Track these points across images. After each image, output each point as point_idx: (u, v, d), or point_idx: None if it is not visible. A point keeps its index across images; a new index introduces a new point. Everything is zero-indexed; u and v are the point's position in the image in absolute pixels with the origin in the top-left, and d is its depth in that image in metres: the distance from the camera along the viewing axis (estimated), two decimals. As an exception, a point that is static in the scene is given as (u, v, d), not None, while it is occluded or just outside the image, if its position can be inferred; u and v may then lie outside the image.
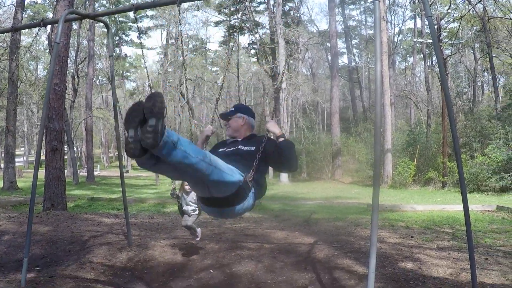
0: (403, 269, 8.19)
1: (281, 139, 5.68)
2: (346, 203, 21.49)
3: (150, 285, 9.00)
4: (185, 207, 9.77)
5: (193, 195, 9.62)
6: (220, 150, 5.76)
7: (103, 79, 78.63)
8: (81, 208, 20.51)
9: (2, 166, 37.99)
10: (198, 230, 10.14)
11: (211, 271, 9.44)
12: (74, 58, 48.50)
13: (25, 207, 20.81)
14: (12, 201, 22.61)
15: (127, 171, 66.59)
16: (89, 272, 9.51)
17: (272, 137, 5.70)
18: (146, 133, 4.04)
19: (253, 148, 5.53)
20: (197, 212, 9.87)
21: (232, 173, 4.90)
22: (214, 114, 7.64)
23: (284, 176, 39.92)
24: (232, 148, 5.70)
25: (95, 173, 52.31)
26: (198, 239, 10.25)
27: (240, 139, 5.91)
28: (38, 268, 9.86)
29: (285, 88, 40.49)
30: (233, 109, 6.11)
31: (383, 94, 32.93)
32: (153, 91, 4.87)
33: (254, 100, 73.93)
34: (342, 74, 66.07)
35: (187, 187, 9.61)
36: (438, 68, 31.08)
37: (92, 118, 49.02)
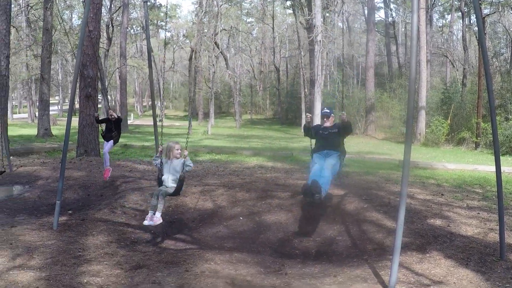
0: (432, 226, 8.21)
1: (346, 120, 9.55)
2: (377, 159, 21.43)
3: (181, 231, 9.13)
4: (165, 176, 8.64)
5: (178, 163, 8.54)
6: (320, 131, 9.92)
7: (138, 29, 78.54)
8: (114, 154, 20.72)
9: (37, 114, 38.35)
10: (158, 214, 8.30)
11: (241, 218, 9.56)
12: (108, 7, 48.42)
13: (59, 153, 21.12)
14: (46, 148, 22.93)
15: (160, 120, 66.81)
16: (120, 216, 9.69)
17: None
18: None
19: (336, 130, 9.76)
20: (175, 185, 8.59)
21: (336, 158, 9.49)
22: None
23: (316, 129, 39.78)
24: (326, 133, 9.81)
25: (129, 122, 52.64)
26: (153, 223, 8.28)
27: (329, 125, 9.98)
28: (70, 212, 10.08)
29: (320, 41, 40.15)
30: (328, 111, 10.14)
31: (419, 51, 32.42)
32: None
33: (288, 52, 73.45)
34: (379, 29, 65.17)
35: (177, 151, 8.59)
36: (476, 27, 30.50)
37: (126, 67, 49.17)
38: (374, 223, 8.53)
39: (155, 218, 8.24)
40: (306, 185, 8.52)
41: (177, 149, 8.57)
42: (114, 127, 12.59)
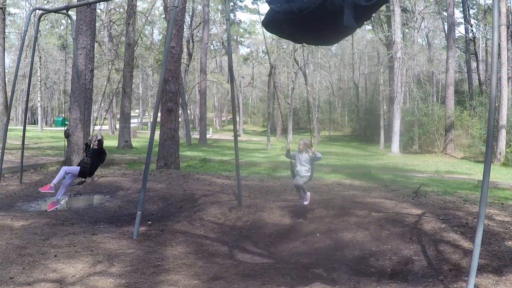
0: (509, 248, 8.06)
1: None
2: (456, 178, 21.09)
3: (258, 245, 9.25)
4: (298, 167, 10.22)
5: (306, 156, 10.20)
6: None
7: (217, 44, 79.58)
8: (193, 168, 21.04)
9: (118, 126, 39.32)
10: (308, 194, 10.28)
11: (318, 234, 9.61)
12: (189, 23, 49.30)
13: (139, 165, 21.56)
14: (126, 159, 23.43)
15: (238, 135, 67.45)
16: (199, 229, 9.87)
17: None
18: None
19: None
20: (309, 173, 10.30)
21: None
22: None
23: (395, 147, 39.46)
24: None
25: (207, 136, 53.31)
26: (306, 202, 10.30)
27: None
28: (149, 222, 10.33)
29: (400, 57, 39.86)
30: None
31: (500, 68, 31.78)
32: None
33: (368, 68, 73.04)
34: (459, 45, 64.11)
35: (301, 146, 10.20)
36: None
37: (206, 81, 49.85)
38: (450, 243, 8.44)
39: (307, 197, 10.25)
40: None
41: (299, 145, 10.46)
42: (93, 156, 11.04)
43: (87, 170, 11.02)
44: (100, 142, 11.14)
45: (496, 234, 8.84)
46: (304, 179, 10.21)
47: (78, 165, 11.15)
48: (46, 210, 10.95)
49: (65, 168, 11.00)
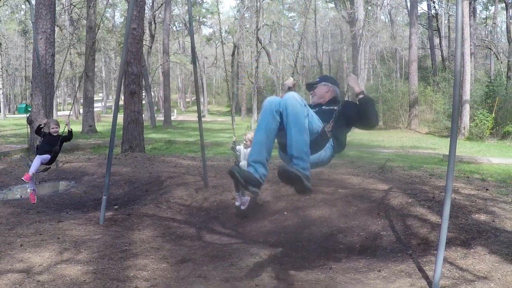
0: (476, 221, 8.13)
1: (360, 96, 5.82)
2: (421, 153, 21.30)
3: (225, 225, 9.23)
4: (242, 162, 9.22)
5: None
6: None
7: (180, 25, 79.13)
8: (158, 150, 20.94)
9: (82, 111, 38.98)
10: (246, 198, 9.47)
11: (285, 213, 9.60)
12: (150, 4, 48.89)
13: (104, 149, 21.40)
14: (91, 144, 23.27)
15: (203, 116, 67.32)
16: (165, 211, 9.82)
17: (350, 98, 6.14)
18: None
19: (335, 107, 5.84)
20: None
21: (312, 121, 5.42)
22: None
23: (359, 123, 39.64)
24: (316, 109, 5.98)
25: (172, 118, 53.05)
26: (243, 207, 9.50)
27: (324, 104, 6.18)
28: (116, 207, 10.25)
29: (363, 35, 39.96)
30: (318, 79, 6.46)
31: (463, 43, 32.04)
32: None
33: (331, 46, 73.22)
34: (421, 22, 64.56)
35: (248, 142, 9.19)
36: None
37: (169, 63, 49.53)
38: (418, 218, 8.49)
39: (244, 201, 9.33)
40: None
41: (245, 140, 9.34)
42: (55, 143, 10.51)
43: (55, 158, 10.75)
44: (70, 132, 10.66)
45: (463, 207, 8.91)
46: None
47: (41, 153, 10.49)
48: (32, 203, 10.39)
49: (40, 158, 10.40)
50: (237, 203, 9.50)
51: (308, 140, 5.33)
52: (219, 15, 11.54)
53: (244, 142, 9.33)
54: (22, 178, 10.08)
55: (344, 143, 6.07)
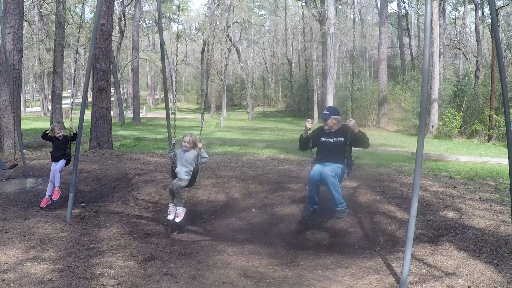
0: (444, 218, 8.20)
1: (358, 134, 8.15)
2: (390, 151, 21.41)
3: (193, 222, 9.19)
4: (178, 168, 8.51)
5: (191, 155, 8.43)
6: (322, 139, 8.57)
7: (150, 22, 78.84)
8: (126, 147, 20.81)
9: (50, 107, 38.50)
10: (181, 209, 8.49)
11: (253, 210, 9.60)
12: (120, 0, 48.54)
13: (72, 146, 21.18)
14: (59, 141, 22.95)
15: (173, 113, 66.98)
16: (133, 208, 9.76)
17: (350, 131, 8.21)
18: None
19: (343, 138, 8.32)
20: (189, 177, 8.51)
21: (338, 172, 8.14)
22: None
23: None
24: (331, 140, 8.45)
25: (141, 115, 52.79)
26: (178, 219, 8.46)
27: (333, 131, 8.49)
28: (83, 204, 10.16)
29: (332, 33, 40.09)
30: (327, 112, 8.59)
31: (432, 43, 32.25)
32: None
33: (301, 44, 73.30)
34: (391, 21, 64.97)
35: (187, 144, 8.47)
36: (489, 19, 30.22)
37: (138, 60, 49.27)
38: (386, 215, 8.53)
39: (179, 213, 8.37)
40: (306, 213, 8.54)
41: (185, 141, 8.44)
42: (64, 146, 10.74)
43: (70, 159, 10.82)
44: (75, 135, 10.29)
45: (431, 204, 8.98)
46: (183, 183, 8.38)
47: (56, 160, 10.68)
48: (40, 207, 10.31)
49: (57, 168, 10.43)
50: (169, 217, 8.43)
51: (339, 184, 8.09)
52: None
53: (184, 144, 8.49)
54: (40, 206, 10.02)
55: (352, 165, 8.70)
